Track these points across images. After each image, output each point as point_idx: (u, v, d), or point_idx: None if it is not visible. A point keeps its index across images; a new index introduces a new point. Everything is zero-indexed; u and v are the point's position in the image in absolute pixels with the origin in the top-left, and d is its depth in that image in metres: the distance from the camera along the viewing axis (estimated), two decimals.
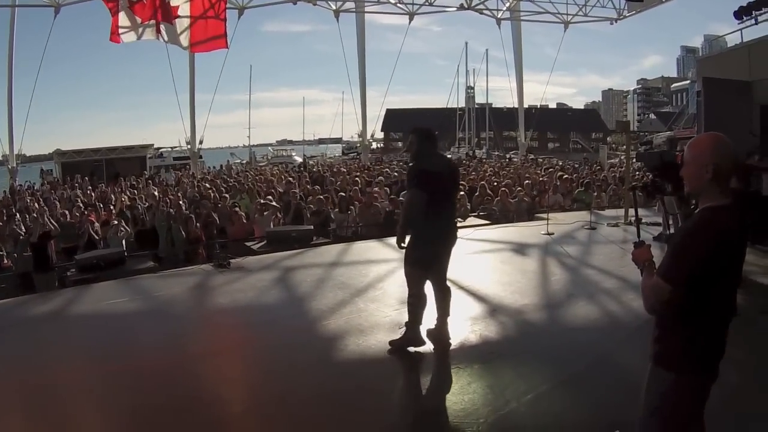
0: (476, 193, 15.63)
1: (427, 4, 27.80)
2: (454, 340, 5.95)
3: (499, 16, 31.50)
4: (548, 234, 11.84)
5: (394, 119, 74.69)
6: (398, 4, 27.97)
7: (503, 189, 15.58)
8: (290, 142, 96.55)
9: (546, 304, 7.53)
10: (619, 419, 3.98)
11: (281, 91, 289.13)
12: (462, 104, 71.88)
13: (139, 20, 17.07)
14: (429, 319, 5.93)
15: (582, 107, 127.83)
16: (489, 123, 69.14)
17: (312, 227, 11.92)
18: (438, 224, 5.57)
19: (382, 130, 75.58)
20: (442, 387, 5.17)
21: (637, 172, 20.29)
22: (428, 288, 5.83)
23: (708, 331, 2.74)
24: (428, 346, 5.78)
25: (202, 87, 27.85)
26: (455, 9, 28.75)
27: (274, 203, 13.26)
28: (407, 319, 5.83)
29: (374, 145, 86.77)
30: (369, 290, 8.23)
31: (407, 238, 5.75)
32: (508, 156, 48.30)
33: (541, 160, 35.28)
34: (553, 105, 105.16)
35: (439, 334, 5.82)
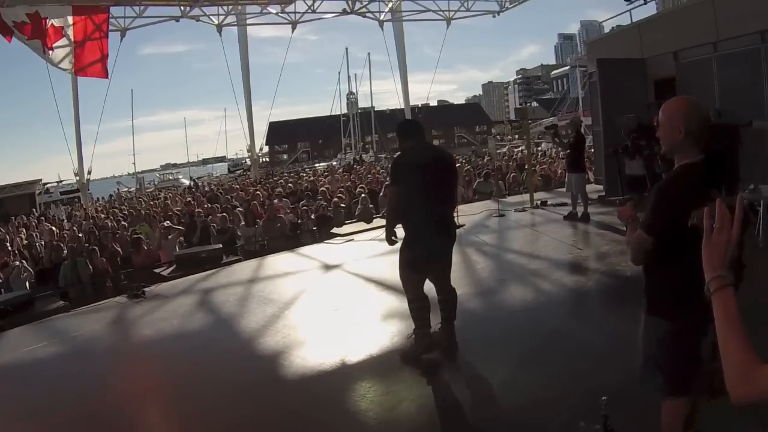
0: (380, 194, 15.66)
1: (309, 11, 27.61)
2: (400, 340, 5.92)
3: (381, 18, 31.66)
4: (459, 226, 12.05)
5: (278, 132, 74.32)
6: (280, 14, 27.66)
7: None
8: (174, 165, 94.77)
9: (480, 291, 7.66)
10: (592, 386, 4.13)
11: (161, 115, 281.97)
12: (345, 110, 72.15)
13: (24, 38, 16.69)
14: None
15: (463, 102, 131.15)
16: (374, 127, 69.60)
17: (221, 246, 11.66)
18: (425, 221, 5.18)
19: (266, 144, 75.31)
20: (406, 386, 5.03)
21: (535, 160, 21.17)
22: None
23: (688, 277, 2.83)
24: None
25: (84, 117, 26.73)
26: (338, 14, 28.68)
27: (177, 226, 12.99)
28: (414, 327, 5.45)
29: (260, 160, 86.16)
30: (296, 302, 8.15)
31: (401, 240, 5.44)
32: (395, 157, 48.75)
33: None
34: (434, 103, 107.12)
35: (442, 338, 5.52)
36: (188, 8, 24.17)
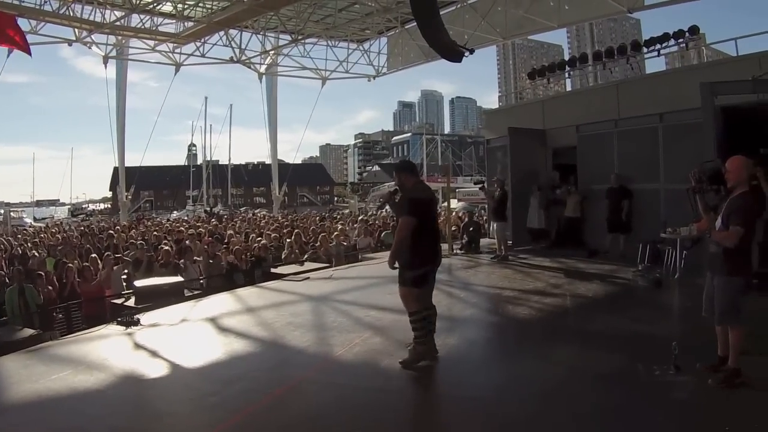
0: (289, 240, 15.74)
1: (198, 54, 27.25)
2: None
3: (261, 71, 31.91)
4: None
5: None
6: (168, 53, 27.10)
7: (323, 234, 16.07)
8: (7, 204, 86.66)
9: (498, 312, 8.87)
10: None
11: None
12: (198, 162, 70.69)
13: None
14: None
15: (300, 162, 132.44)
16: (229, 181, 68.52)
17: (182, 279, 11.07)
18: (427, 245, 6.06)
19: (110, 189, 72.51)
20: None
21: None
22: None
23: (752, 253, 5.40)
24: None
25: None
26: (224, 61, 28.52)
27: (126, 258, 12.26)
28: (415, 336, 6.09)
29: (101, 206, 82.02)
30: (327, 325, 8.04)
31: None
32: (250, 211, 48.48)
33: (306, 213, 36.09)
34: (268, 161, 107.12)
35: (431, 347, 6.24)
36: (84, 33, 23.22)
